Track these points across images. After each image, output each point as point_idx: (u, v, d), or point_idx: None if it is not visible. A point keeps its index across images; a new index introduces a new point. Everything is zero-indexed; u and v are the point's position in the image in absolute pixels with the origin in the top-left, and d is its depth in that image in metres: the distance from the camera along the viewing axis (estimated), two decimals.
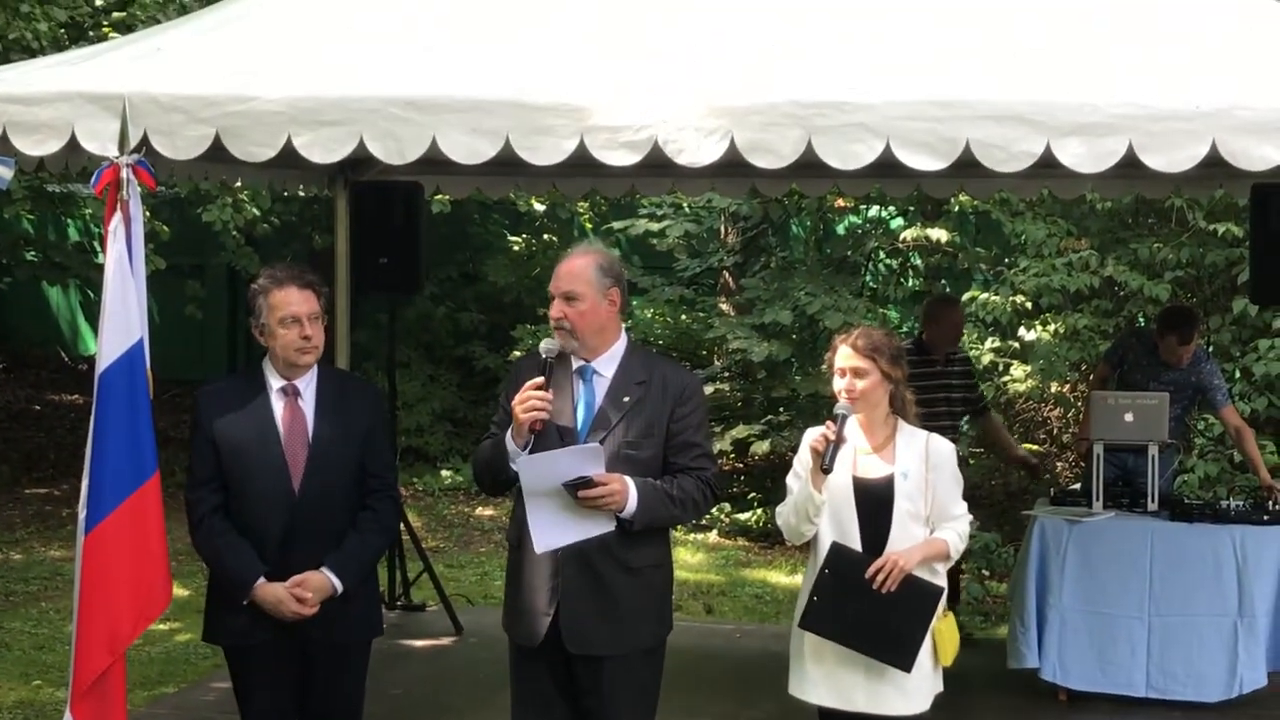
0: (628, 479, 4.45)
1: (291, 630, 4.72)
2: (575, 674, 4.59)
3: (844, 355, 4.77)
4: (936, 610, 4.74)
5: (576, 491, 4.37)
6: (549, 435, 4.50)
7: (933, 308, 8.27)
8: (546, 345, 4.57)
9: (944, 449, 4.84)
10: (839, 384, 4.76)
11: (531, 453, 4.46)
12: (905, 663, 4.69)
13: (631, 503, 4.45)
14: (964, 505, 4.87)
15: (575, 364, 4.62)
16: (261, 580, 4.68)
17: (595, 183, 8.33)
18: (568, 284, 4.56)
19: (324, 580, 4.70)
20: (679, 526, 10.88)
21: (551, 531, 4.44)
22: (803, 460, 4.75)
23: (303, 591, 4.68)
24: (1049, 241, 10.95)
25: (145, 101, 4.68)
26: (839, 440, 4.61)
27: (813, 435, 4.70)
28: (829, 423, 4.66)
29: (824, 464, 4.59)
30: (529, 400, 4.44)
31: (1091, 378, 9.53)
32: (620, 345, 4.68)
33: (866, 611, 4.64)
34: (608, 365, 4.63)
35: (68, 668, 4.74)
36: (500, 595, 4.86)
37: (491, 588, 9.82)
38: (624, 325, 4.78)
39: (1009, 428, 12.40)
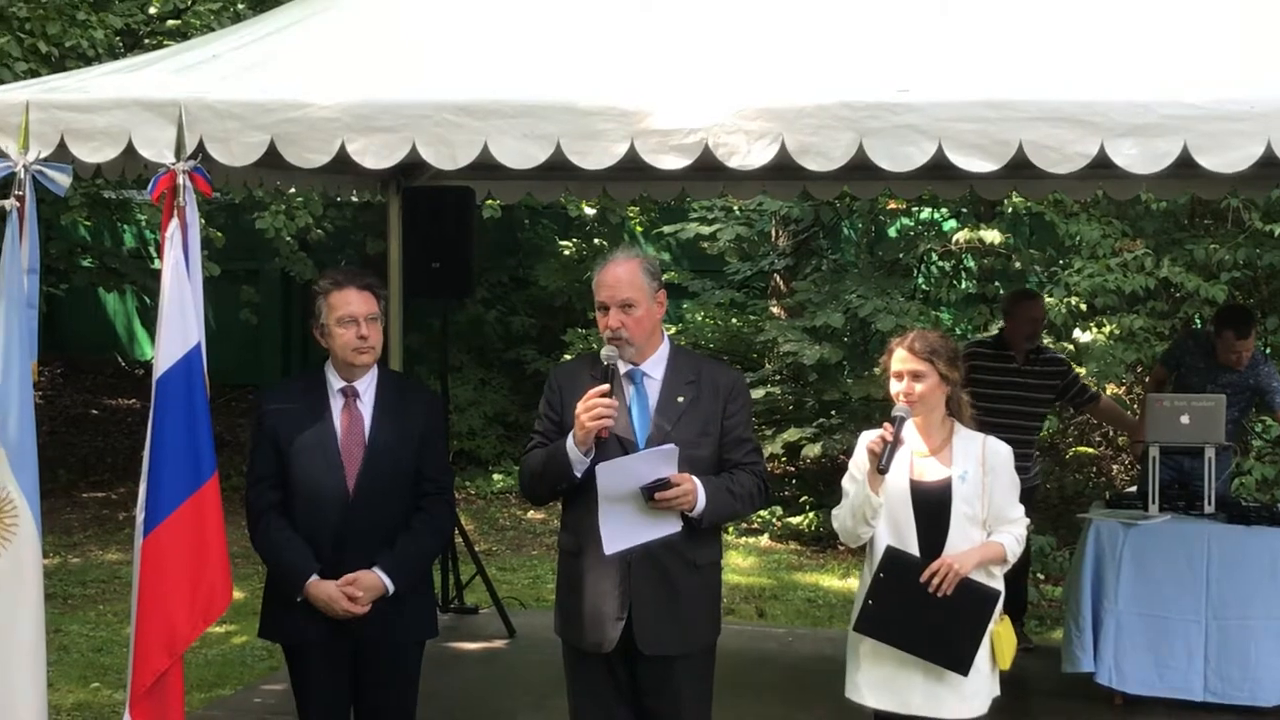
0: (695, 478, 4.46)
1: (346, 629, 4.76)
2: (637, 675, 4.59)
3: (901, 358, 4.74)
4: (994, 614, 4.72)
5: (653, 494, 4.37)
6: (608, 440, 4.50)
7: (1008, 302, 8.13)
8: (607, 353, 4.55)
9: (1001, 451, 4.81)
10: (896, 387, 4.74)
11: (593, 459, 4.47)
12: (962, 666, 4.66)
13: (701, 501, 4.46)
14: (1021, 508, 4.84)
15: (624, 368, 4.61)
16: (314, 578, 4.73)
17: (646, 186, 8.32)
18: (625, 292, 4.54)
19: (375, 580, 4.74)
20: (729, 528, 10.89)
21: (622, 534, 4.44)
22: (859, 463, 4.74)
23: (354, 590, 4.71)
24: (1103, 242, 10.84)
25: (201, 108, 4.71)
26: (896, 442, 4.59)
27: (870, 437, 4.69)
28: (886, 424, 4.64)
29: (880, 465, 4.57)
30: (596, 408, 4.42)
31: (1147, 380, 9.45)
32: (665, 347, 4.69)
33: (922, 615, 4.63)
34: (656, 367, 4.65)
35: (126, 670, 4.75)
36: (552, 598, 4.87)
37: (544, 590, 9.84)
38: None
39: (1063, 431, 12.35)
